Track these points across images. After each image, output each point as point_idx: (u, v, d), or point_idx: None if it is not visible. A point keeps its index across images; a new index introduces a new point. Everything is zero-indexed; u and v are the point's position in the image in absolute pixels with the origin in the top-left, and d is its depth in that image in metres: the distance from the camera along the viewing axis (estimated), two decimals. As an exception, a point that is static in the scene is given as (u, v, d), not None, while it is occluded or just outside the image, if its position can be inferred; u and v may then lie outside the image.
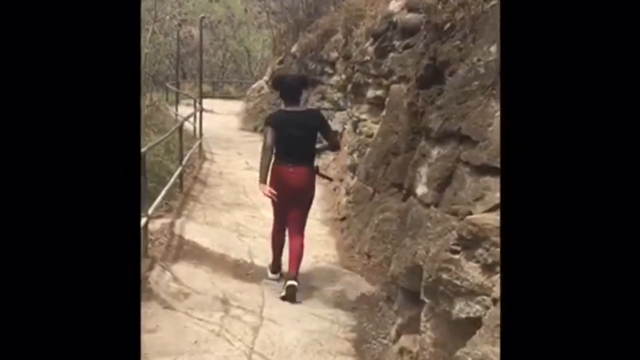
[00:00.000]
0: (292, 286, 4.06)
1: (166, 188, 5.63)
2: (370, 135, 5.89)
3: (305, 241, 4.47)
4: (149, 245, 4.71)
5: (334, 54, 9.47)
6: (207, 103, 18.93)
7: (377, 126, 5.80)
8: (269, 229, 5.46)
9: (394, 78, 5.34)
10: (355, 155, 6.18)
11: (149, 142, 7.31)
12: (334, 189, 7.55)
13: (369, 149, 5.55)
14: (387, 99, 5.51)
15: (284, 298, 4.06)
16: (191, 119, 9.99)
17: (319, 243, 5.36)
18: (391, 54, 5.47)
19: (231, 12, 23.17)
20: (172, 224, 5.28)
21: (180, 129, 6.57)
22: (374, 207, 5.00)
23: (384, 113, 5.63)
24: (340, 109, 9.13)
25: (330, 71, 9.66)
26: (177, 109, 13.71)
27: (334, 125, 9.29)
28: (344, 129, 8.74)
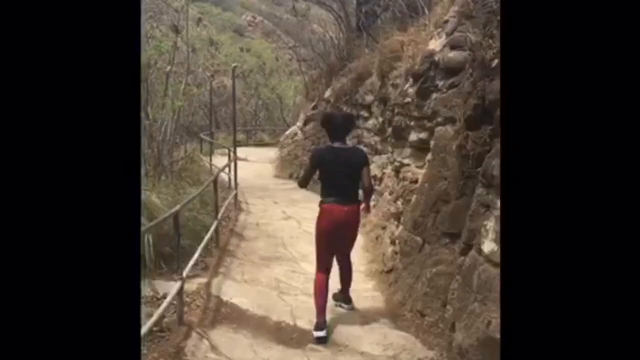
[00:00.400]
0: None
1: (202, 245, 5.34)
2: (415, 181, 5.54)
3: (352, 297, 4.74)
4: (185, 309, 4.39)
5: (369, 97, 9.23)
6: (241, 151, 18.89)
7: (422, 171, 5.45)
8: (310, 285, 5.13)
9: (439, 120, 5.02)
10: (399, 202, 5.82)
11: (184, 196, 7.12)
12: (377, 238, 7.17)
13: (415, 196, 5.19)
14: (432, 142, 5.18)
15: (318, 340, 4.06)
16: (226, 169, 9.80)
17: (366, 299, 4.97)
18: (434, 95, 5.16)
19: (262, 61, 23.44)
20: (208, 284, 4.97)
21: (215, 181, 6.33)
22: (425, 259, 4.61)
23: (429, 157, 5.29)
24: (378, 153, 8.82)
25: (366, 114, 9.40)
26: (211, 159, 13.61)
27: (373, 170, 8.98)
28: (383, 173, 8.42)
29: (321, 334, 4.08)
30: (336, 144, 4.34)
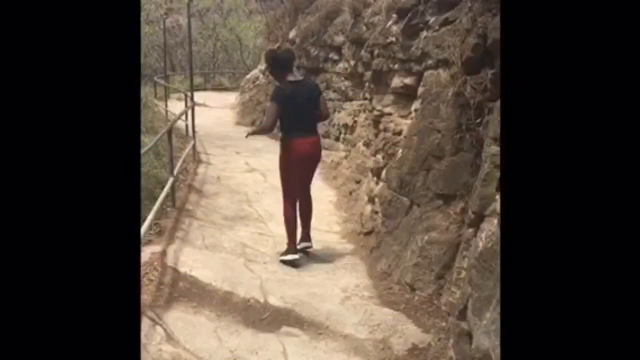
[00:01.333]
0: (308, 247, 4.61)
1: (156, 205, 4.62)
2: (399, 133, 4.90)
3: (329, 266, 4.45)
4: (136, 284, 3.73)
5: (340, 38, 8.45)
6: (199, 96, 17.85)
7: (407, 122, 4.81)
8: (280, 249, 4.56)
9: (429, 62, 4.36)
10: (380, 156, 5.18)
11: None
12: (350, 193, 6.57)
13: (400, 151, 4.56)
14: (421, 89, 4.52)
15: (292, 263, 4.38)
16: (182, 117, 8.93)
17: (345, 269, 4.38)
18: (424, 33, 4.47)
19: (220, -1, 22.01)
20: (164, 253, 4.28)
21: (170, 132, 5.54)
22: (414, 223, 4.03)
23: (416, 106, 4.64)
24: (349, 99, 8.14)
25: (336, 57, 8.64)
26: (166, 105, 12.65)
27: (343, 117, 8.30)
28: (355, 121, 7.77)
29: (295, 256, 4.42)
30: (290, 79, 4.39)
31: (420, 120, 4.28)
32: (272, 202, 6.05)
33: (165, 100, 13.03)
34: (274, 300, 3.76)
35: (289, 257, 4.42)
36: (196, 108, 15.65)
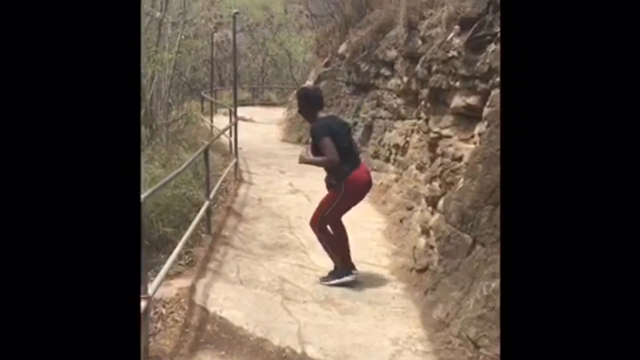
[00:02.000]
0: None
1: (187, 232, 4.21)
2: (459, 159, 4.34)
3: (376, 309, 3.93)
4: (158, 325, 3.30)
5: (392, 53, 7.95)
6: (246, 111, 17.71)
7: (469, 146, 4.26)
8: (321, 287, 4.07)
9: (499, 80, 3.79)
10: (436, 184, 4.63)
11: (179, 162, 5.97)
12: (400, 221, 6.02)
13: (461, 180, 3.99)
14: (487, 110, 3.96)
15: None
16: (226, 133, 8.58)
17: (396, 314, 3.83)
18: (492, 47, 3.92)
19: (270, 13, 21.83)
20: (192, 288, 3.84)
21: (207, 151, 5.12)
22: (479, 267, 3.45)
23: (480, 129, 4.08)
24: (401, 118, 7.61)
25: (388, 73, 8.15)
26: (212, 120, 12.41)
27: (395, 137, 7.78)
28: (407, 142, 7.23)
29: (350, 278, 4.30)
30: (322, 115, 4.35)
31: (486, 145, 3.72)
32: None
33: (211, 115, 12.79)
34: (312, 352, 3.25)
35: (346, 278, 4.30)
36: (242, 124, 15.46)
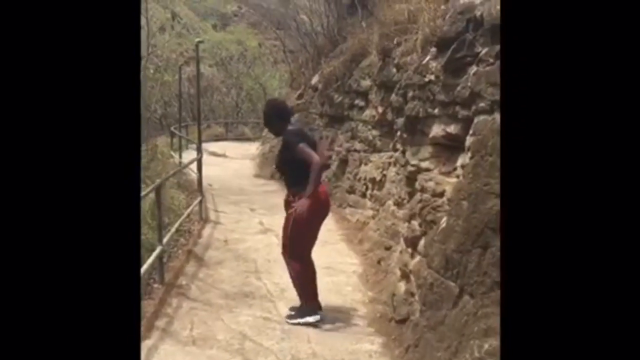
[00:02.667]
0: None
1: (134, 284, 3.63)
2: (440, 194, 3.88)
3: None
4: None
5: (366, 82, 7.56)
6: (219, 146, 17.23)
7: (451, 180, 3.79)
8: (287, 345, 3.54)
9: (482, 105, 3.36)
10: (415, 223, 4.15)
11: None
12: (378, 262, 5.51)
13: (444, 219, 3.51)
14: (470, 139, 3.51)
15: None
16: (192, 170, 8.04)
17: (373, 377, 3.29)
18: (474, 68, 3.48)
19: (244, 47, 21.57)
20: (133, 353, 3.26)
21: (158, 192, 4.58)
22: (467, 322, 2.94)
23: (463, 160, 3.63)
24: (377, 150, 7.18)
25: (362, 104, 7.74)
26: (180, 156, 11.87)
27: (370, 170, 7.33)
28: (384, 176, 6.78)
29: (317, 317, 4.00)
30: (290, 127, 4.06)
31: (470, 179, 3.25)
32: (285, 272, 5.05)
33: (180, 151, 12.27)
34: None
35: (309, 318, 3.99)
36: (214, 159, 14.96)
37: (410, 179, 4.47)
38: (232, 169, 12.96)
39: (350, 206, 7.74)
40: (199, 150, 8.30)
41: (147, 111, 15.74)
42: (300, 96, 11.01)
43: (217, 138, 19.48)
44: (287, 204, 4.04)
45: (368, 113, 7.42)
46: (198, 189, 7.91)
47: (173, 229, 5.46)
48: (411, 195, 4.59)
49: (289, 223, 3.97)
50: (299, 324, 3.99)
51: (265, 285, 4.87)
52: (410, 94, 4.41)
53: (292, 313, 4.12)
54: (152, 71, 12.54)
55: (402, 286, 4.22)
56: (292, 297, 4.32)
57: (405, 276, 4.23)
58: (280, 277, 5.04)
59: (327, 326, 4.00)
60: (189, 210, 6.63)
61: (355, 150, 7.89)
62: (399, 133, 4.97)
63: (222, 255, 5.71)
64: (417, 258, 4.05)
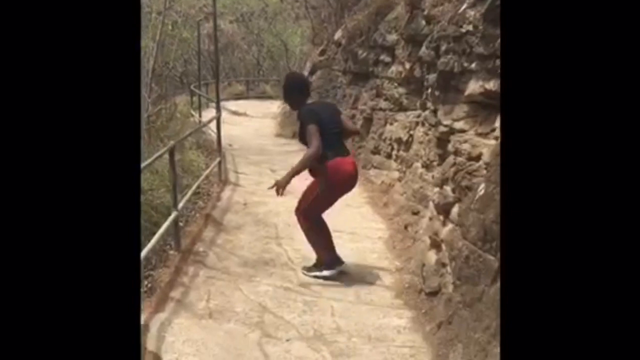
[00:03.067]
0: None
1: (145, 250, 3.42)
2: (476, 158, 3.54)
3: (378, 349, 3.12)
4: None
5: (392, 37, 7.12)
6: (240, 105, 16.93)
7: (490, 142, 3.45)
8: (310, 319, 3.31)
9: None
10: (448, 188, 3.84)
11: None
12: (405, 227, 5.23)
13: (482, 186, 3.19)
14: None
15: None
16: (210, 129, 7.76)
17: (402, 356, 3.04)
18: (519, 16, 3.09)
19: (265, 2, 20.93)
20: (145, 327, 3.05)
21: (172, 153, 4.31)
22: (509, 300, 2.65)
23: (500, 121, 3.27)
24: (403, 109, 6.80)
25: (388, 59, 7.31)
26: (200, 115, 11.60)
27: (396, 130, 6.98)
28: (411, 136, 6.43)
29: (339, 269, 4.07)
30: (309, 101, 4.22)
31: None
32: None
33: (199, 110, 11.99)
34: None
35: (326, 272, 4.07)
36: (235, 118, 14.67)
37: (442, 141, 4.13)
38: (252, 128, 12.67)
39: (375, 167, 7.43)
40: (218, 109, 7.99)
41: (166, 69, 15.41)
42: (322, 52, 10.58)
43: (238, 96, 19.15)
44: (311, 171, 4.07)
45: (394, 69, 7.02)
46: (217, 149, 7.63)
47: (190, 192, 5.22)
48: (442, 157, 4.26)
49: (310, 192, 4.10)
50: (315, 276, 4.06)
51: (286, 252, 4.63)
52: (443, 47, 4.03)
53: (310, 265, 4.19)
54: (170, 27, 12.13)
55: (432, 256, 3.94)
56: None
57: (435, 245, 3.94)
58: (301, 243, 4.79)
59: (351, 298, 3.76)
60: (207, 171, 6.38)
61: (380, 109, 7.52)
62: (429, 90, 4.60)
63: (241, 220, 5.48)
64: (450, 226, 3.75)
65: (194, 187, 5.44)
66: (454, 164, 3.77)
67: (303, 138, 3.99)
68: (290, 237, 4.99)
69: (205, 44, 18.92)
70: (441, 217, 3.92)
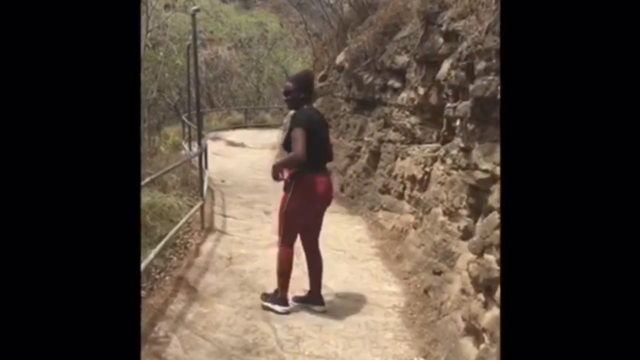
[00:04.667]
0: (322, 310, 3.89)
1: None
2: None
3: None
4: None
5: (403, 58, 6.19)
6: (237, 135, 16.03)
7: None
8: None
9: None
10: (492, 257, 2.81)
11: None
12: (425, 292, 4.19)
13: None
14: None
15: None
16: (199, 164, 6.72)
17: None
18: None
19: (264, 29, 20.16)
20: None
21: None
22: None
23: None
24: (417, 141, 5.84)
25: (397, 84, 6.37)
26: (190, 147, 10.64)
27: (408, 166, 5.98)
28: (427, 173, 5.44)
29: (286, 308, 3.84)
30: (307, 105, 3.86)
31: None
32: (305, 314, 3.80)
33: (189, 142, 11.03)
34: None
35: (278, 307, 3.86)
36: (231, 149, 13.71)
37: (479, 190, 3.12)
38: (249, 160, 11.69)
39: (385, 209, 6.41)
40: (199, 143, 6.99)
41: (161, 98, 14.52)
42: (323, 78, 9.64)
43: (236, 126, 18.22)
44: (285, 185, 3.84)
45: (405, 96, 6.07)
46: (199, 191, 6.56)
47: (159, 247, 4.21)
48: (477, 210, 3.25)
49: (281, 206, 3.84)
50: (267, 307, 3.88)
51: (274, 332, 3.58)
52: (479, 65, 3.04)
53: (268, 294, 4.00)
54: (161, 54, 11.26)
55: (469, 347, 2.89)
56: (317, 354, 3.05)
57: (474, 332, 2.91)
58: (297, 320, 3.77)
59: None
60: (184, 219, 5.35)
61: (390, 141, 6.53)
62: (458, 122, 3.60)
63: (222, 282, 4.44)
64: (495, 311, 2.71)
65: (164, 240, 4.42)
66: (491, 222, 2.75)
67: (288, 142, 3.70)
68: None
69: (203, 71, 18.09)
70: (481, 297, 2.88)
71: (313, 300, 3.94)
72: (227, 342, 3.41)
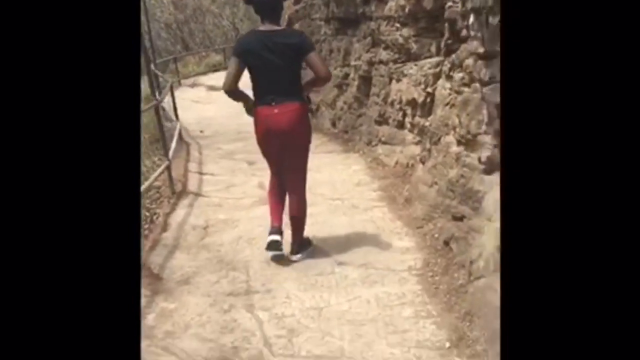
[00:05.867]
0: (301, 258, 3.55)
1: None
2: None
3: None
4: None
5: (386, -39, 5.11)
6: (217, 78, 14.92)
7: None
8: None
9: None
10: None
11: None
12: (446, 244, 3.34)
13: None
14: None
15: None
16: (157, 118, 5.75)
17: None
18: None
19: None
20: None
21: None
22: None
23: None
24: (414, 58, 4.88)
25: (382, -7, 5.32)
26: (157, 97, 9.61)
27: (406, 90, 5.04)
28: (428, 95, 4.53)
29: (276, 237, 3.45)
30: (265, 27, 3.25)
31: None
32: (301, 295, 2.99)
33: (157, 90, 9.99)
34: None
35: (270, 237, 3.45)
36: (212, 95, 12.69)
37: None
38: (230, 106, 10.64)
39: (384, 142, 5.50)
40: (153, 94, 5.98)
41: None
42: (297, 1, 8.50)
43: (215, 68, 16.97)
44: None
45: (393, 4, 5.05)
46: (162, 149, 5.57)
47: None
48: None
49: None
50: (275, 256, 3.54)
51: (260, 327, 2.77)
52: None
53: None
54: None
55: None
56: (317, 353, 2.24)
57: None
58: (288, 304, 2.95)
59: None
60: (147, 183, 4.44)
61: (381, 62, 5.54)
62: (472, 20, 2.63)
63: (193, 262, 3.59)
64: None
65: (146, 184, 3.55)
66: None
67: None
68: (269, 292, 3.12)
69: (172, 12, 16.74)
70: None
71: (292, 247, 3.56)
72: (198, 352, 2.59)
